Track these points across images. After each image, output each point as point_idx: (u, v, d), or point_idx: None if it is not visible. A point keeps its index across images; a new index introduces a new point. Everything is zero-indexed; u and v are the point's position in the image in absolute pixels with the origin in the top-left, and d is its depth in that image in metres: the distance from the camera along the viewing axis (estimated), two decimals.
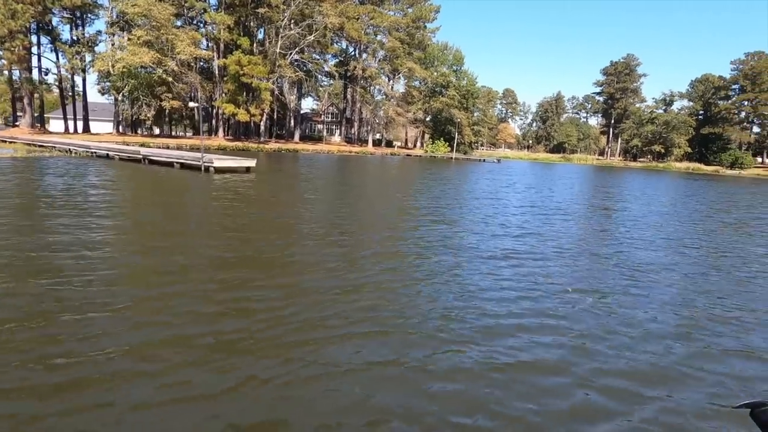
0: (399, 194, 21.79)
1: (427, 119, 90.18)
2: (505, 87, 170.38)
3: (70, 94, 62.84)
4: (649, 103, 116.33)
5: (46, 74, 58.63)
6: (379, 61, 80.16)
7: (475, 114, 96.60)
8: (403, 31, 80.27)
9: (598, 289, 8.14)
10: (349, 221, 13.71)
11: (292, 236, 11.18)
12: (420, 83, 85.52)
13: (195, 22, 62.28)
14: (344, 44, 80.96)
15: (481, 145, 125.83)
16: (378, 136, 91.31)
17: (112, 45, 53.06)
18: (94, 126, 67.24)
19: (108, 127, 67.95)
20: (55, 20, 54.82)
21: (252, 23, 62.44)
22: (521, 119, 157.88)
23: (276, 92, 63.46)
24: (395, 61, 78.36)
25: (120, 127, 64.35)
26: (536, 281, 8.39)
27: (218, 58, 61.64)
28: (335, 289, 7.19)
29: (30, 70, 53.45)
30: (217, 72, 63.15)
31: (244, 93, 60.86)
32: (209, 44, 63.85)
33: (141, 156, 27.23)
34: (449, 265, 9.13)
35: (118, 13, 53.99)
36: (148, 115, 55.49)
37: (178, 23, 59.65)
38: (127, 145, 44.16)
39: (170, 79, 54.56)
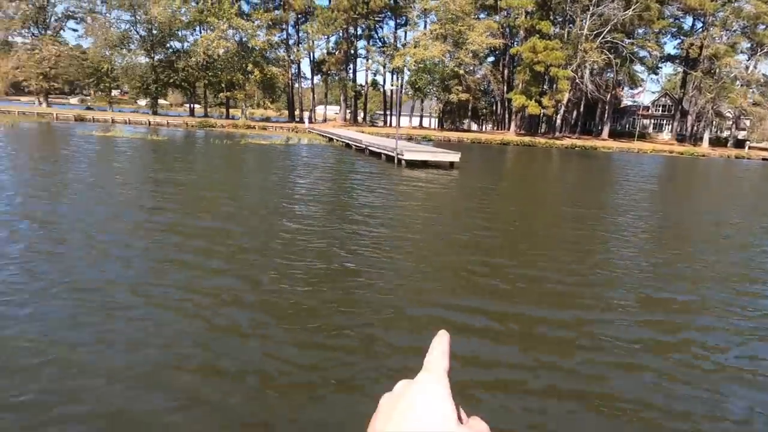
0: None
1: None
2: None
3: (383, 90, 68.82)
4: None
5: (375, 75, 66.23)
6: (733, 34, 60.65)
7: None
8: None
9: None
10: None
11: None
12: None
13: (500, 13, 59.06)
14: (690, 20, 64.75)
15: None
16: (726, 133, 70.37)
17: (413, 43, 54.97)
18: (405, 121, 72.49)
19: (424, 122, 71.68)
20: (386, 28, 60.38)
21: (559, 4, 55.36)
22: None
23: (578, 81, 54.96)
24: (758, 33, 57.89)
25: (423, 121, 67.50)
26: None
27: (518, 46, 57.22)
28: None
29: (353, 72, 60.60)
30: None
31: (541, 83, 54.91)
32: (512, 32, 59.99)
33: (364, 146, 26.05)
34: None
35: (421, 12, 55.74)
36: (435, 108, 55.82)
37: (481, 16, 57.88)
38: (410, 138, 45.00)
39: (462, 71, 53.30)
